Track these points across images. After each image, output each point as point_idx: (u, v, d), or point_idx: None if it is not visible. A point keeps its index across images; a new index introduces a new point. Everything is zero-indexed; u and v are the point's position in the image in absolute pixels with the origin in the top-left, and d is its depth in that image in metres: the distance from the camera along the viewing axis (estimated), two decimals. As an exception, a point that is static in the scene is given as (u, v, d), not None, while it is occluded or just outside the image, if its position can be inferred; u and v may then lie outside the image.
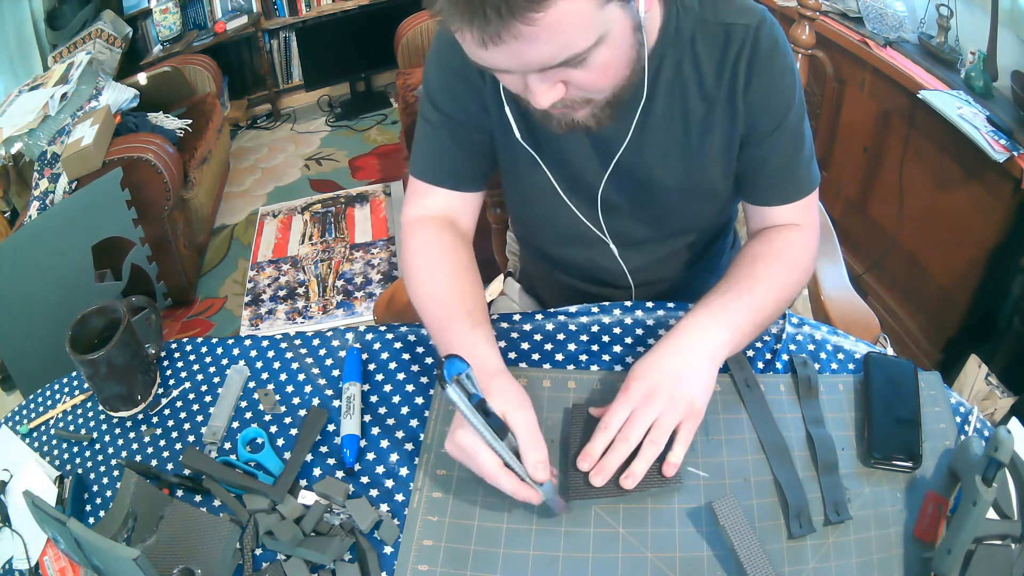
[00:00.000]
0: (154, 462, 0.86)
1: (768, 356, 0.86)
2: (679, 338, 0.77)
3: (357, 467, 0.81)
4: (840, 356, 0.86)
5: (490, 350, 0.79)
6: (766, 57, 0.81)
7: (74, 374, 0.99)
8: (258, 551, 0.75)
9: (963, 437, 0.76)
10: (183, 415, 0.90)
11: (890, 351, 0.88)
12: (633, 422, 0.72)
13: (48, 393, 0.99)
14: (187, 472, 0.83)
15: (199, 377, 0.95)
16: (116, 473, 0.85)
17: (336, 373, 0.92)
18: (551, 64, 0.64)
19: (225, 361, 0.96)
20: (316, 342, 0.97)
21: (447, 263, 0.88)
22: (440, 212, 0.94)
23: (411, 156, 0.95)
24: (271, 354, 0.96)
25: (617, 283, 1.03)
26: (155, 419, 0.91)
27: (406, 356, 0.92)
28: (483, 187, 0.97)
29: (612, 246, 0.98)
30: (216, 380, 0.94)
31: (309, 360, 0.94)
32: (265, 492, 0.77)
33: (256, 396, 0.91)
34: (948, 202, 1.75)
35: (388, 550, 0.73)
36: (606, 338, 0.90)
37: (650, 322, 0.92)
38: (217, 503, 0.80)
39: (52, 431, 0.93)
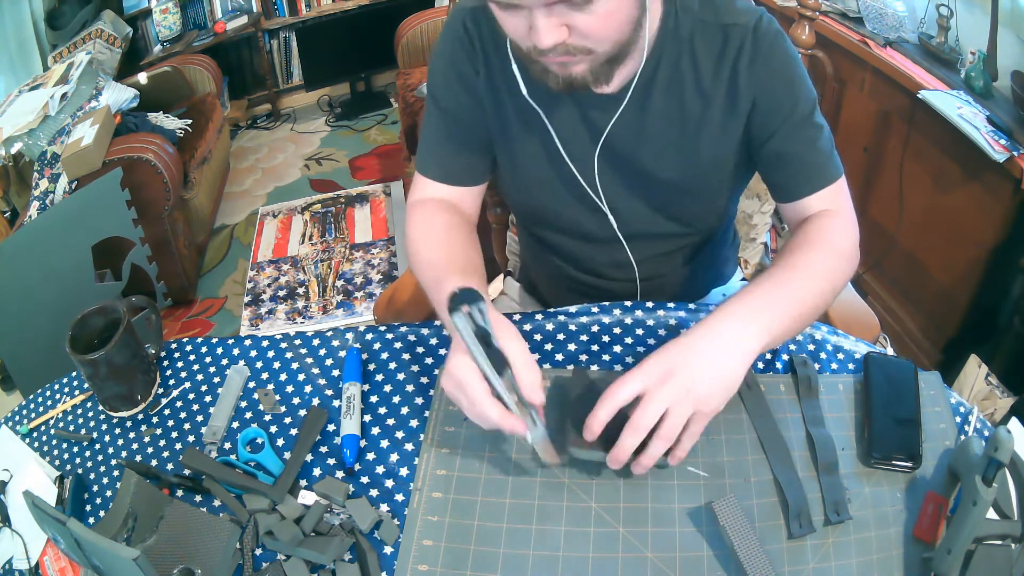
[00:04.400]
0: (154, 462, 0.86)
1: (768, 356, 0.86)
2: (714, 326, 0.72)
3: (357, 467, 0.81)
4: (840, 356, 0.86)
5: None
6: (768, 49, 0.82)
7: (74, 374, 0.99)
8: (258, 551, 0.75)
9: (963, 437, 0.76)
10: (183, 415, 0.90)
11: (890, 351, 0.88)
12: (645, 408, 0.68)
13: (48, 393, 0.99)
14: (187, 472, 0.83)
15: (199, 377, 0.95)
16: (116, 473, 0.85)
17: (336, 373, 0.92)
18: None
19: (225, 361, 0.96)
20: (316, 342, 0.97)
21: (443, 235, 0.91)
22: (441, 198, 0.97)
23: (418, 146, 0.98)
24: (271, 354, 0.96)
25: (619, 276, 1.04)
26: (155, 419, 0.91)
27: (406, 356, 0.92)
28: (482, 181, 0.99)
29: (618, 231, 0.97)
30: (216, 380, 0.94)
31: (309, 360, 0.94)
32: (265, 492, 0.78)
33: (256, 396, 0.91)
34: (948, 202, 1.75)
35: (388, 550, 0.73)
36: (606, 338, 0.90)
37: (650, 322, 0.92)
38: (217, 503, 0.80)
39: (52, 431, 0.93)
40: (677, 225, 0.97)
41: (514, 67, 0.87)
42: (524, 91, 0.87)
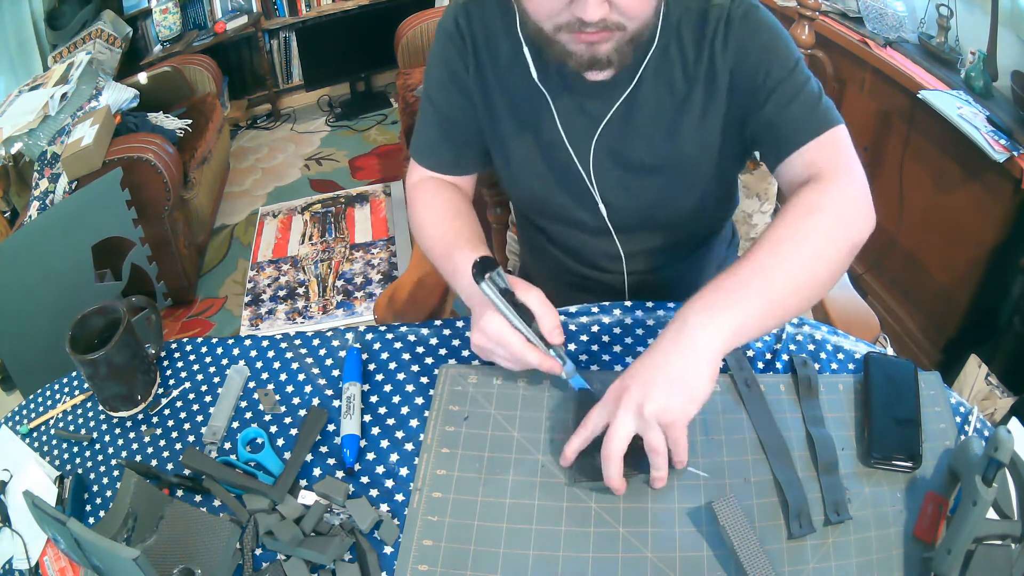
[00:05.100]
0: (154, 462, 0.86)
1: (768, 356, 0.86)
2: (667, 338, 0.70)
3: (357, 467, 0.81)
4: (840, 356, 0.86)
5: None
6: (739, 22, 0.82)
7: (74, 374, 0.99)
8: (258, 551, 0.75)
9: (963, 437, 0.76)
10: (183, 415, 0.90)
11: (890, 351, 0.88)
12: (609, 437, 0.69)
13: (48, 393, 0.99)
14: (187, 472, 0.83)
15: (199, 377, 0.95)
16: (116, 473, 0.85)
17: (336, 373, 0.92)
18: None
19: (225, 361, 0.96)
20: (316, 342, 0.97)
21: (446, 210, 0.96)
22: (439, 177, 1.03)
23: (413, 133, 1.03)
24: (271, 354, 0.96)
25: (611, 268, 1.04)
26: (155, 419, 0.91)
27: (406, 356, 0.92)
28: (477, 169, 1.04)
29: (608, 221, 0.98)
30: (216, 380, 0.94)
31: (309, 360, 0.94)
32: (265, 492, 0.77)
33: (256, 396, 0.91)
34: (948, 202, 1.75)
35: (388, 550, 0.73)
36: (606, 338, 0.90)
37: (650, 322, 0.92)
38: (217, 503, 0.80)
39: (52, 431, 0.93)
40: (666, 218, 0.97)
41: (526, 52, 0.89)
42: (535, 75, 0.89)
